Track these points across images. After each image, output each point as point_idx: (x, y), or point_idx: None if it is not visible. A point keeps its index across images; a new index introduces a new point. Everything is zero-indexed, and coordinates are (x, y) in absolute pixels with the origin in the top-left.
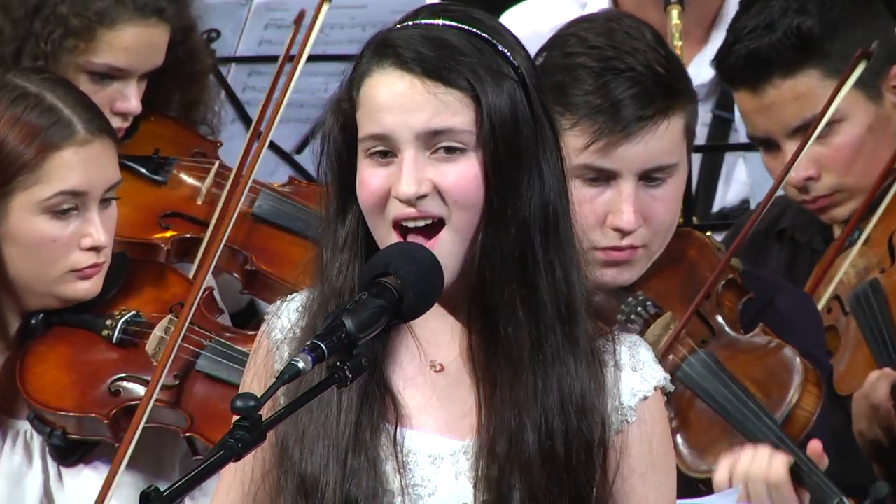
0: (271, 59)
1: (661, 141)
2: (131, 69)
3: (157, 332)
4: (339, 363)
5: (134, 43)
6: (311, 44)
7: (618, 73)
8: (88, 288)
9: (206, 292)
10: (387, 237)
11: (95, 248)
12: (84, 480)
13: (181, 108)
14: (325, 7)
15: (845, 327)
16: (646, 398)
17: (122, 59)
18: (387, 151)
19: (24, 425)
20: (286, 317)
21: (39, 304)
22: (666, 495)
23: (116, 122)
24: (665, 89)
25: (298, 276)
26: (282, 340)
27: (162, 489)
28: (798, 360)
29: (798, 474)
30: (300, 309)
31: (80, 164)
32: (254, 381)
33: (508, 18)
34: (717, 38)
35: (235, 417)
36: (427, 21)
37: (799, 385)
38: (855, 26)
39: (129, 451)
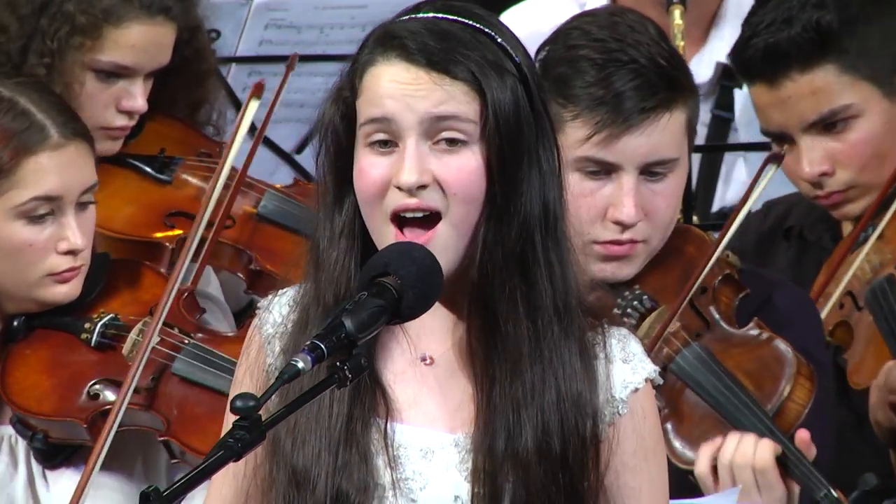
0: (271, 59)
1: (662, 134)
2: (137, 67)
3: (133, 335)
4: (338, 363)
5: (140, 41)
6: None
7: (620, 65)
8: (67, 291)
9: (185, 293)
10: (383, 228)
11: (72, 252)
12: (68, 482)
13: (186, 109)
14: (254, 104)
15: (858, 322)
16: (637, 390)
17: (129, 58)
18: (387, 141)
19: (9, 430)
20: (277, 311)
21: (19, 308)
22: (659, 488)
23: (122, 121)
24: (668, 82)
25: (301, 274)
26: (273, 335)
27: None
28: (791, 353)
29: (786, 465)
30: (291, 303)
31: (55, 169)
32: (246, 376)
33: (508, 18)
34: (716, 38)
35: (235, 417)
36: (430, 14)
37: (791, 377)
38: (872, 22)
39: (103, 455)
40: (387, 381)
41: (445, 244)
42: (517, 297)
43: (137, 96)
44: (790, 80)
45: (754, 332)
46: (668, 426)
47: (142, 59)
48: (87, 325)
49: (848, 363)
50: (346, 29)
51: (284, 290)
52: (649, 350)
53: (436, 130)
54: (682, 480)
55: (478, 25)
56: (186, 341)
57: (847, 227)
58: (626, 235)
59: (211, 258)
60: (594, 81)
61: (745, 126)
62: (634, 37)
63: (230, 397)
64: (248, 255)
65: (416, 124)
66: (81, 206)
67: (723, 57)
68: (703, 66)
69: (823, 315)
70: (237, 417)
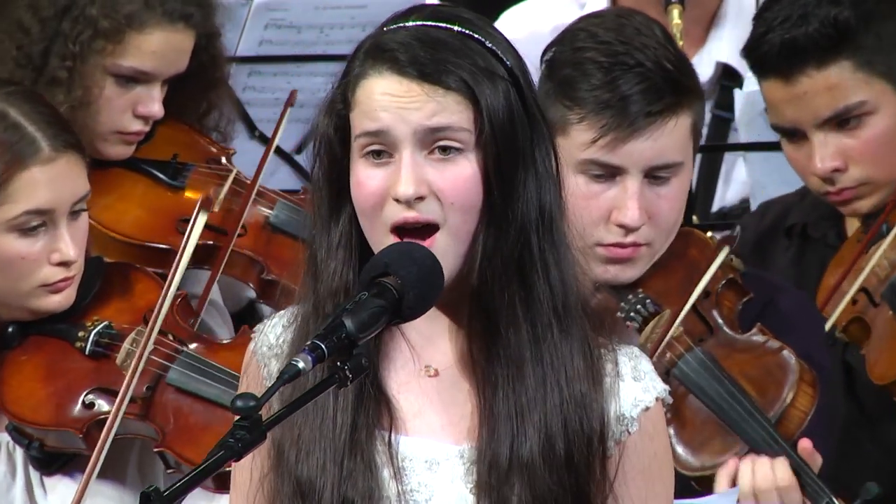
0: (271, 59)
1: (668, 138)
2: (157, 73)
3: (126, 344)
4: (339, 363)
5: (161, 47)
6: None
7: (627, 68)
8: (60, 301)
9: (178, 299)
10: (383, 239)
11: (65, 263)
12: (66, 490)
13: (197, 114)
14: (202, 217)
15: (875, 317)
16: (647, 409)
17: (149, 63)
18: (381, 151)
19: (6, 437)
20: (272, 333)
21: (11, 316)
22: None
23: (138, 126)
24: (674, 86)
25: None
26: (269, 356)
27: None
28: (794, 359)
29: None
30: (286, 323)
31: (47, 183)
32: None
33: (507, 18)
34: (716, 38)
35: (235, 417)
36: (418, 22)
37: (794, 384)
38: (887, 19)
39: (99, 464)
40: (391, 391)
41: (444, 252)
42: (516, 301)
43: (155, 102)
44: (806, 75)
45: (757, 337)
46: (671, 431)
47: (161, 65)
48: (80, 334)
49: (867, 359)
50: (346, 29)
51: (282, 312)
52: (651, 354)
53: (430, 141)
54: (685, 486)
55: (467, 31)
56: (181, 350)
57: (851, 225)
58: (630, 238)
59: (224, 267)
60: (600, 84)
61: (745, 126)
62: (641, 40)
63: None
64: (260, 265)
65: (411, 135)
66: (74, 214)
67: (723, 57)
68: (703, 65)
69: (838, 311)
70: (238, 417)
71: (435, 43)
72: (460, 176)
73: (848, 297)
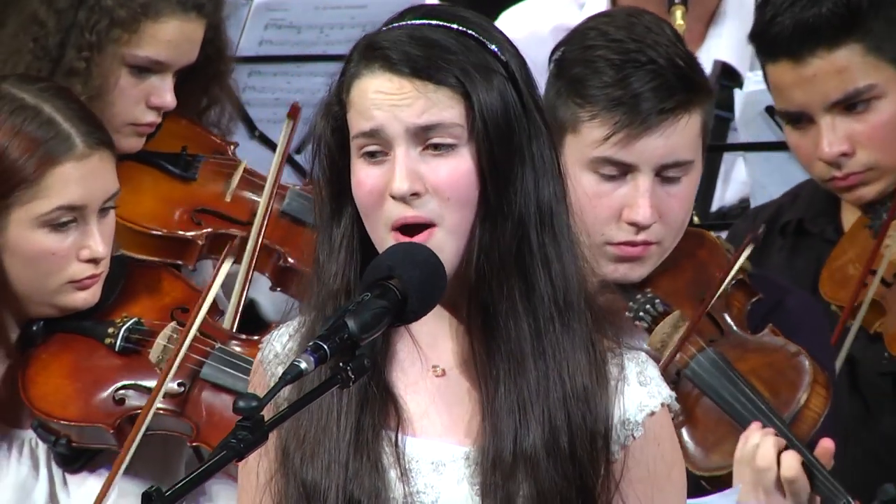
0: (271, 59)
1: (680, 136)
2: (170, 63)
3: (161, 340)
4: (341, 364)
5: (175, 37)
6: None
7: (639, 65)
8: (87, 298)
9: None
10: (385, 238)
11: (94, 260)
12: (90, 487)
13: (199, 108)
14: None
15: (887, 296)
16: (653, 413)
17: (164, 53)
18: (377, 151)
19: (30, 434)
20: (278, 343)
21: (38, 312)
22: None
23: (150, 117)
24: (686, 83)
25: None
26: (276, 364)
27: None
28: (808, 361)
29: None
30: (291, 333)
31: (80, 179)
32: None
33: (507, 18)
34: (715, 36)
35: (237, 418)
36: (414, 21)
37: (808, 386)
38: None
39: (128, 459)
40: (399, 391)
41: (441, 248)
42: (516, 295)
43: (167, 92)
44: (817, 57)
45: (769, 338)
46: (683, 432)
47: (175, 54)
48: (110, 330)
49: (884, 333)
50: (346, 29)
51: (288, 322)
52: (672, 357)
53: (423, 138)
54: (697, 486)
55: (462, 28)
56: (214, 346)
57: (847, 220)
58: (641, 237)
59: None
60: (612, 82)
61: (745, 126)
62: (652, 38)
63: None
64: (279, 253)
65: (403, 133)
66: (103, 211)
67: (722, 55)
68: (702, 64)
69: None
70: (240, 418)
71: (428, 40)
72: (454, 171)
73: (876, 282)
